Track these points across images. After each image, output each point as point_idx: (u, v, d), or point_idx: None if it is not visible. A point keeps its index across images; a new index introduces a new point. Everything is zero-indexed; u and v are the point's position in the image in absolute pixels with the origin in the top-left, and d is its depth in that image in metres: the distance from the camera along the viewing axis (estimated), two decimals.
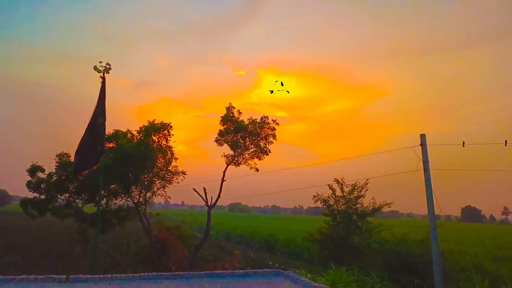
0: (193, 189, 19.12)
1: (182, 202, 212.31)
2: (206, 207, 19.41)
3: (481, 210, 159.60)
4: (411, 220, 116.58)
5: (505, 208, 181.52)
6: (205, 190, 19.09)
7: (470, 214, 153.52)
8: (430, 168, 12.03)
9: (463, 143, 12.14)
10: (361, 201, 20.04)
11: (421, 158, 11.99)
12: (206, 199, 19.09)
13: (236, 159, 18.96)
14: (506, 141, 11.56)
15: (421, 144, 12.10)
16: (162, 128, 18.41)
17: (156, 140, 18.55)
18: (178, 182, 19.48)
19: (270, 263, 28.75)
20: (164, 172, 19.11)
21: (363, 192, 20.00)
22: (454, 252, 22.99)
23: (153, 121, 18.54)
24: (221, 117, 18.77)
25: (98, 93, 12.35)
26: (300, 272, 15.47)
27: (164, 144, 18.77)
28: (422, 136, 12.06)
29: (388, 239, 17.66)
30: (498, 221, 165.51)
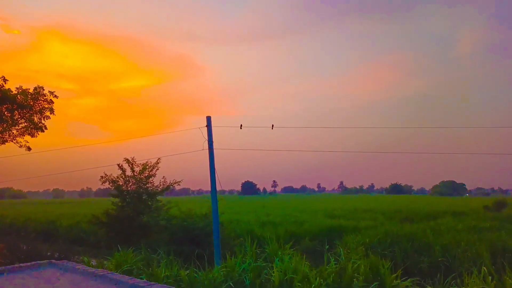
0: None
1: None
2: None
3: (256, 184, 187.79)
4: (200, 196, 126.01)
5: (274, 181, 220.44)
6: None
7: (248, 188, 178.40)
8: (214, 147, 13.12)
9: (241, 125, 13.78)
10: (152, 180, 20.13)
11: (207, 138, 12.93)
12: None
13: (1, 135, 15.63)
14: (272, 125, 13.92)
15: (207, 126, 13.01)
16: None
17: None
18: None
19: (49, 253, 25.46)
20: None
21: (154, 171, 20.11)
22: (233, 222, 26.11)
23: None
24: None
25: None
26: (82, 258, 14.31)
27: None
28: (208, 118, 12.98)
29: (176, 215, 18.42)
30: (269, 193, 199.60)
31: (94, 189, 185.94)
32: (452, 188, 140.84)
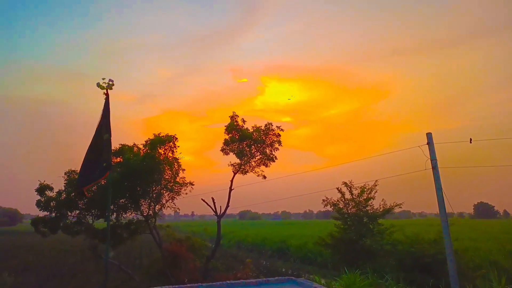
0: (202, 199, 19.11)
1: (192, 212, 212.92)
2: (216, 217, 19.38)
3: (494, 206, 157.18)
4: (422, 219, 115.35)
5: None
6: (213, 199, 19.07)
7: (483, 210, 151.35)
8: (438, 166, 11.92)
9: (470, 139, 12.00)
10: (371, 203, 19.83)
11: (429, 157, 11.88)
12: (215, 208, 19.06)
13: (243, 167, 18.93)
14: None
15: (428, 143, 11.99)
16: (167, 141, 18.50)
17: (162, 152, 18.63)
18: (186, 193, 19.51)
19: (283, 270, 28.53)
20: (172, 184, 19.15)
21: (372, 194, 19.80)
22: (468, 250, 22.61)
23: (159, 134, 18.69)
24: (225, 126, 18.84)
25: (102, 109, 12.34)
26: (313, 277, 15.34)
27: (170, 156, 18.85)
28: (429, 135, 11.94)
29: (400, 240, 17.41)
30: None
31: (315, 211, 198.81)
32: None
